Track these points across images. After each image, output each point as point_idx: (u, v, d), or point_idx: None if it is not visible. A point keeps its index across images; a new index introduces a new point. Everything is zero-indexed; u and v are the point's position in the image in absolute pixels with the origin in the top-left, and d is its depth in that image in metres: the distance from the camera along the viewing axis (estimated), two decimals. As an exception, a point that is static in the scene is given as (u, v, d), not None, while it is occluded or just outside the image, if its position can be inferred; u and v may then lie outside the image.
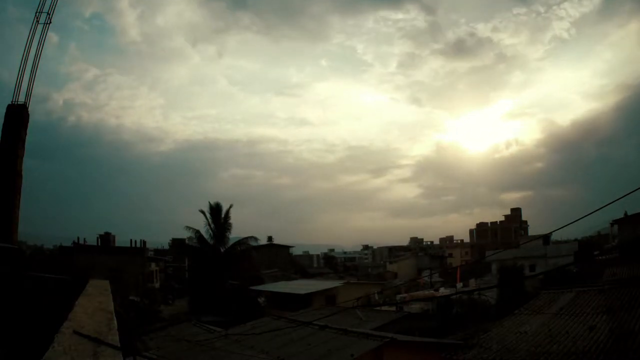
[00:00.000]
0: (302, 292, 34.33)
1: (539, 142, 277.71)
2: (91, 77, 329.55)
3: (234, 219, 37.11)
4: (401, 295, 39.99)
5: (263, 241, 54.63)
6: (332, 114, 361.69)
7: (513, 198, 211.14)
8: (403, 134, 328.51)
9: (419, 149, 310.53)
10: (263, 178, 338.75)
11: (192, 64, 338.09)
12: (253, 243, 38.18)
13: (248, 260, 38.47)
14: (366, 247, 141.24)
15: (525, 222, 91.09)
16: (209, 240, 36.39)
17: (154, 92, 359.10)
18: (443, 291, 39.98)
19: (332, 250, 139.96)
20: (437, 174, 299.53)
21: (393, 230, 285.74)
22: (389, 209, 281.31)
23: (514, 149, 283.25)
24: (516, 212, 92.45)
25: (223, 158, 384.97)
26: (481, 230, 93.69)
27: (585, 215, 7.68)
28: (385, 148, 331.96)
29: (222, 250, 36.46)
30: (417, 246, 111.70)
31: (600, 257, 27.29)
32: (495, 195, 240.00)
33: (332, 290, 35.09)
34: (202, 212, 36.57)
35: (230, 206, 37.45)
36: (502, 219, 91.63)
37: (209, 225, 36.37)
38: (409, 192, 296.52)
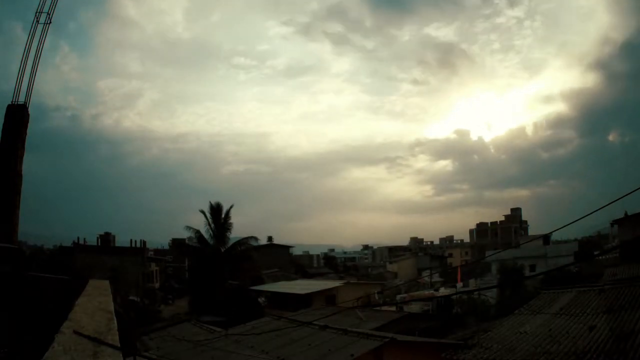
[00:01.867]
0: (302, 292, 34.33)
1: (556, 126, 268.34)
2: (90, 72, 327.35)
3: (234, 218, 37.29)
4: (401, 295, 39.99)
5: (263, 241, 54.66)
6: (336, 108, 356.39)
7: (522, 195, 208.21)
8: (408, 127, 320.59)
9: (430, 139, 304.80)
10: (264, 175, 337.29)
11: (191, 50, 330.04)
12: (253, 243, 38.25)
13: (248, 260, 38.43)
14: (366, 247, 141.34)
15: (525, 222, 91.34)
16: (209, 240, 36.41)
17: (155, 87, 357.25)
18: (443, 291, 39.96)
19: (332, 250, 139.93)
20: (447, 168, 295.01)
21: (393, 230, 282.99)
22: (392, 207, 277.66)
23: (526, 138, 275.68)
24: (516, 212, 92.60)
25: (223, 155, 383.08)
26: (481, 230, 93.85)
27: (585, 216, 7.69)
28: (390, 141, 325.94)
29: (222, 250, 36.47)
30: (417, 246, 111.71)
31: (600, 257, 27.30)
32: (503, 191, 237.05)
33: (332, 290, 35.07)
34: (202, 212, 36.68)
35: (231, 206, 37.55)
36: (502, 219, 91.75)
37: (209, 225, 36.40)
38: (415, 188, 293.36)
